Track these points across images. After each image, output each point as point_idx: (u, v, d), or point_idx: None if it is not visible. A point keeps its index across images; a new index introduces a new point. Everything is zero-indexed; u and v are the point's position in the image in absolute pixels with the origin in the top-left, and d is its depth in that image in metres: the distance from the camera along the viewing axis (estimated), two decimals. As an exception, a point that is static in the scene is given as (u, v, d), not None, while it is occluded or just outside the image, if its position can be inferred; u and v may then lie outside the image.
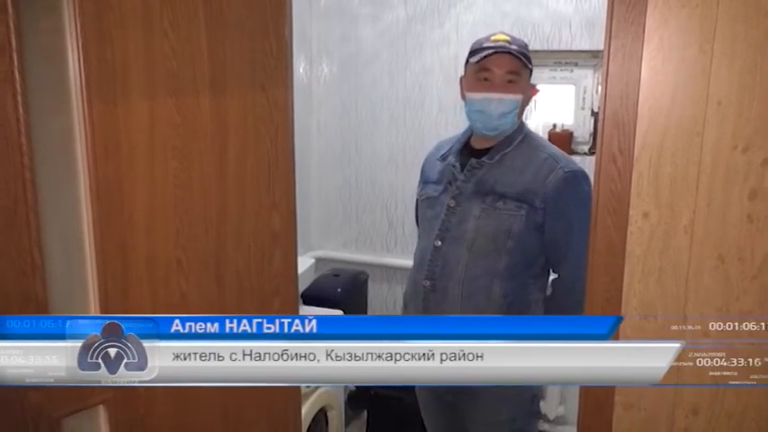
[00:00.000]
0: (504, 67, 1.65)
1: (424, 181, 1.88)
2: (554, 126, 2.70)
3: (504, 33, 1.70)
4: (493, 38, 1.69)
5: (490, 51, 1.64)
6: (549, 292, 1.79)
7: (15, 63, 0.95)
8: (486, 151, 1.73)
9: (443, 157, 1.83)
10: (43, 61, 1.03)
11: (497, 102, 1.65)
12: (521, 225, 1.64)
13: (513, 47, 1.64)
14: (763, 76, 1.08)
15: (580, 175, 1.66)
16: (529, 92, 1.74)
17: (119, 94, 1.11)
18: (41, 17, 1.02)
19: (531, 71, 1.71)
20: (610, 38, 1.16)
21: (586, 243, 1.65)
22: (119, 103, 1.11)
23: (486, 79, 1.67)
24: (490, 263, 1.67)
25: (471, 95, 1.69)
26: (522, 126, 1.75)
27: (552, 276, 1.78)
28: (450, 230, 1.72)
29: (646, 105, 1.15)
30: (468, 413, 1.81)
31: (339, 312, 2.51)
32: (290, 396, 1.56)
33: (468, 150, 1.78)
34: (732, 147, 1.11)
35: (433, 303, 1.73)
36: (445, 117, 2.89)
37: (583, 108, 2.68)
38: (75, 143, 1.07)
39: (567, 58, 2.66)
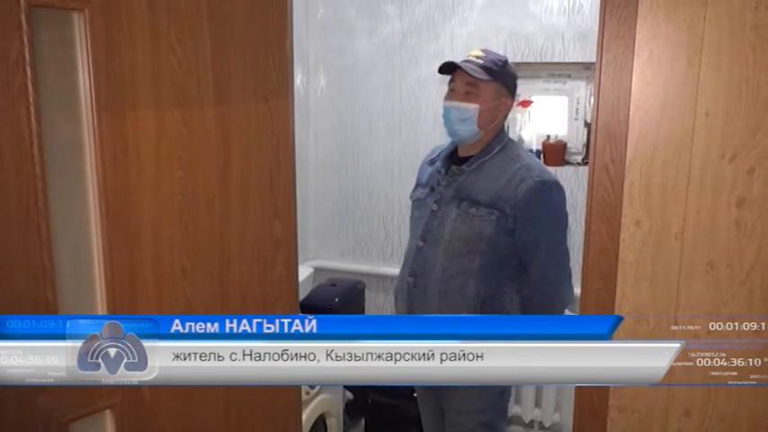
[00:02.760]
0: (463, 78, 1.79)
1: (417, 183, 1.99)
2: (548, 137, 2.74)
3: (481, 50, 1.84)
4: (468, 54, 1.84)
5: (448, 66, 1.81)
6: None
7: (29, 76, 0.98)
8: (468, 159, 1.84)
9: (432, 162, 1.95)
10: (55, 74, 1.06)
11: (455, 110, 1.80)
12: (492, 230, 1.74)
13: (478, 61, 1.78)
14: (749, 87, 1.12)
15: (551, 184, 1.75)
16: (498, 103, 1.81)
17: (127, 106, 1.14)
18: (53, 32, 1.06)
19: (504, 84, 1.81)
20: (601, 51, 1.20)
21: (556, 247, 1.77)
22: (127, 115, 1.14)
23: (452, 90, 1.84)
24: (465, 263, 1.76)
25: (442, 103, 1.86)
26: (501, 136, 1.85)
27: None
28: (431, 232, 1.82)
29: (636, 116, 1.19)
30: (443, 400, 1.91)
31: (337, 321, 2.53)
32: (291, 402, 1.58)
33: (455, 157, 1.89)
34: (720, 156, 1.15)
35: (415, 299, 1.84)
36: (440, 129, 2.90)
37: (576, 119, 2.73)
38: (84, 153, 1.10)
39: (560, 70, 2.71)
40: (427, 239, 1.83)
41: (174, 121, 1.21)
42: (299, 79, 3.01)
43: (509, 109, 1.87)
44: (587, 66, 2.62)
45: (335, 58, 3.06)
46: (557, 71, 2.71)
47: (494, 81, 1.78)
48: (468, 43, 2.79)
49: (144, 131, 1.17)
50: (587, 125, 2.68)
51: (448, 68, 1.83)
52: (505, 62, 1.83)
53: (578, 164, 2.69)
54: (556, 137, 2.74)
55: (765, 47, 1.09)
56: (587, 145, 2.67)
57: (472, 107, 1.78)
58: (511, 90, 1.85)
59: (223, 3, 1.28)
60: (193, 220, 1.28)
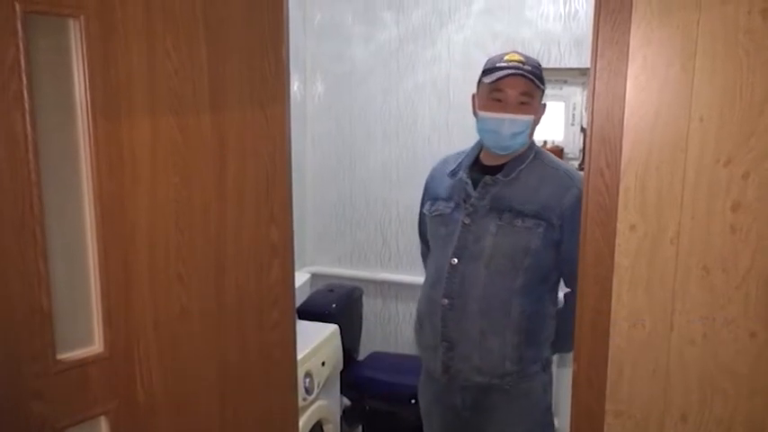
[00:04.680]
0: (517, 88, 1.66)
1: (433, 197, 1.86)
2: (545, 142, 2.75)
3: (517, 53, 1.71)
4: (506, 57, 1.69)
5: (504, 73, 1.65)
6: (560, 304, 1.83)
7: (24, 82, 0.99)
8: (498, 168, 1.73)
9: (453, 173, 1.82)
10: (50, 80, 1.07)
11: (510, 123, 1.66)
12: (538, 242, 1.66)
13: (527, 68, 1.65)
14: (743, 92, 1.12)
15: None
16: (541, 112, 1.75)
17: (122, 111, 1.14)
18: (49, 39, 1.06)
19: (543, 91, 1.73)
20: (596, 57, 1.20)
21: None
22: (122, 121, 1.14)
23: (499, 100, 1.68)
24: (508, 280, 1.68)
25: (484, 115, 1.70)
26: (532, 143, 1.78)
27: (565, 290, 1.80)
28: (468, 248, 1.71)
29: (631, 122, 1.19)
30: (483, 428, 1.81)
31: (334, 327, 2.53)
32: (288, 408, 1.58)
33: (479, 167, 1.78)
34: (714, 161, 1.15)
35: (451, 322, 1.73)
36: (437, 134, 2.93)
37: (572, 124, 2.73)
38: (80, 159, 1.10)
39: (556, 76, 2.71)
40: (463, 256, 1.71)
41: (169, 127, 1.22)
42: (296, 85, 3.02)
43: (543, 114, 1.79)
44: (583, 71, 2.63)
45: (332, 64, 3.07)
46: (553, 77, 2.72)
47: (542, 88, 1.70)
48: (464, 49, 2.80)
49: (139, 137, 1.17)
50: (583, 130, 2.68)
51: (500, 75, 1.65)
52: (540, 65, 1.73)
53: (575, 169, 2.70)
54: (552, 142, 2.75)
55: (759, 51, 1.09)
56: (583, 150, 2.67)
57: (528, 119, 1.68)
58: (543, 95, 1.76)
59: (219, 9, 1.28)
60: (189, 226, 1.28)
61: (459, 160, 1.84)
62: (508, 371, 1.73)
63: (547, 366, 1.82)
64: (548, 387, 1.83)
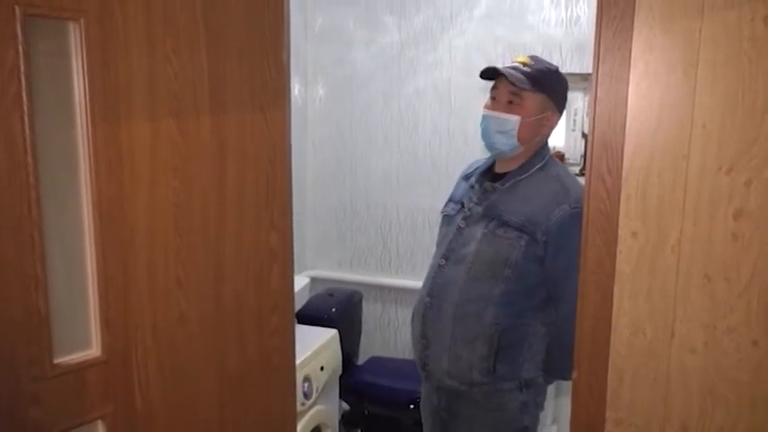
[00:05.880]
0: (505, 87, 1.68)
1: (450, 198, 1.89)
2: (546, 148, 2.74)
3: (530, 56, 1.72)
4: (513, 59, 1.73)
5: (483, 70, 1.70)
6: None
7: (23, 85, 0.98)
8: (504, 176, 1.73)
9: (467, 177, 1.85)
10: (50, 83, 1.06)
11: (495, 120, 1.68)
12: (519, 255, 1.63)
13: (525, 69, 1.67)
14: (745, 99, 1.11)
15: None
16: (543, 117, 1.70)
17: (122, 115, 1.13)
18: (49, 42, 1.05)
19: (550, 96, 1.70)
20: (598, 62, 1.20)
21: None
22: (122, 125, 1.13)
23: (494, 98, 1.72)
24: (486, 288, 1.67)
25: (482, 112, 1.74)
26: (543, 153, 1.74)
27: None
28: (455, 251, 1.73)
29: (633, 128, 1.19)
30: None
31: (334, 332, 2.52)
32: (286, 413, 1.57)
33: (492, 174, 1.79)
34: (717, 168, 1.15)
35: (429, 321, 1.75)
36: (438, 139, 2.93)
37: (574, 130, 2.73)
38: (79, 162, 1.10)
39: (557, 82, 2.71)
40: (449, 258, 1.73)
41: (169, 130, 1.21)
42: (297, 89, 3.02)
43: (555, 125, 1.74)
44: (585, 77, 2.62)
45: (334, 68, 3.07)
46: (554, 82, 2.71)
47: (539, 92, 1.67)
48: (466, 54, 2.80)
49: (139, 141, 1.17)
50: (585, 136, 2.68)
51: (491, 74, 1.70)
52: (555, 72, 1.71)
53: (576, 175, 2.69)
54: (554, 148, 2.74)
55: (761, 58, 1.09)
56: (585, 156, 2.67)
57: (513, 118, 1.66)
58: (558, 104, 1.72)
59: (219, 13, 1.28)
60: (188, 230, 1.27)
61: (479, 165, 1.86)
62: (476, 381, 1.70)
63: (526, 387, 1.73)
64: (527, 408, 1.75)
